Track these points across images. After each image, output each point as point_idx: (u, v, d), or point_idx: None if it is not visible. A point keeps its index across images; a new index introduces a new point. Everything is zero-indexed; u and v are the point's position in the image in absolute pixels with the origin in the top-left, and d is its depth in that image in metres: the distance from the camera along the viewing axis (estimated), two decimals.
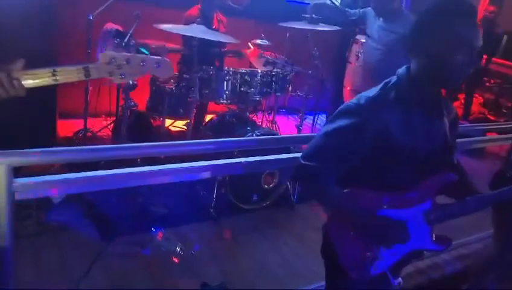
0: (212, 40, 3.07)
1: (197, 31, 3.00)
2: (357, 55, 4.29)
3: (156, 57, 1.32)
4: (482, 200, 1.52)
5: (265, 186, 3.19)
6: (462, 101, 5.99)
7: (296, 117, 3.86)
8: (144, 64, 1.30)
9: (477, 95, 6.55)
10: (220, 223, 3.01)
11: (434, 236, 1.48)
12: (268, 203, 3.24)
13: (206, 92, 3.26)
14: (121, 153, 1.79)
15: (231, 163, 1.96)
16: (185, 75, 3.25)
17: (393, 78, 1.41)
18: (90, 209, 2.79)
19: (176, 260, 2.58)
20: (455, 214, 1.48)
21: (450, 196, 1.54)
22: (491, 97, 6.74)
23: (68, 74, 1.24)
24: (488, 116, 6.28)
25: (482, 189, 1.62)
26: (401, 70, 1.41)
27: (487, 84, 6.43)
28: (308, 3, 3.63)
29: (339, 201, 1.41)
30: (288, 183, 3.30)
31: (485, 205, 1.54)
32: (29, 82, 1.20)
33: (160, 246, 2.66)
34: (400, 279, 2.52)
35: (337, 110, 1.42)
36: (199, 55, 3.17)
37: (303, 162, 1.40)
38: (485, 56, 5.51)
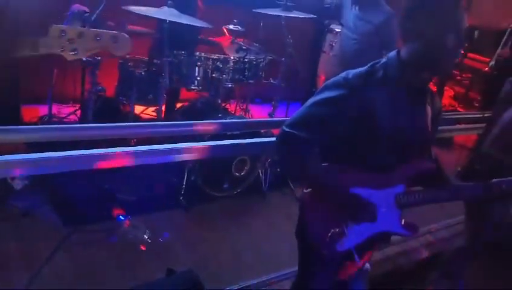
0: (185, 25, 2.99)
1: (168, 14, 2.92)
2: (331, 45, 4.29)
3: (112, 32, 1.25)
4: (453, 192, 1.55)
5: (237, 173, 3.16)
6: None
7: (269, 106, 3.83)
8: (98, 39, 1.23)
9: (447, 88, 6.68)
10: (189, 211, 2.97)
11: (403, 221, 1.49)
12: (239, 191, 3.21)
13: (177, 77, 3.18)
14: (83, 133, 1.73)
15: (204, 146, 1.93)
16: (155, 60, 3.16)
17: (383, 60, 1.42)
18: (54, 196, 2.70)
19: (143, 247, 2.53)
20: (425, 201, 1.50)
21: (424, 186, 1.55)
22: (461, 90, 6.90)
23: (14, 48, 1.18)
24: (458, 108, 6.41)
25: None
26: (392, 53, 1.42)
27: (458, 77, 6.56)
28: None
29: (317, 173, 1.43)
30: (259, 171, 3.28)
31: (455, 197, 1.58)
32: None
33: (128, 233, 2.59)
34: (368, 265, 2.56)
35: (325, 83, 1.44)
36: (170, 40, 3.09)
37: (286, 129, 1.41)
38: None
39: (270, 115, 3.71)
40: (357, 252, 1.45)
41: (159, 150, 1.84)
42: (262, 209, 3.22)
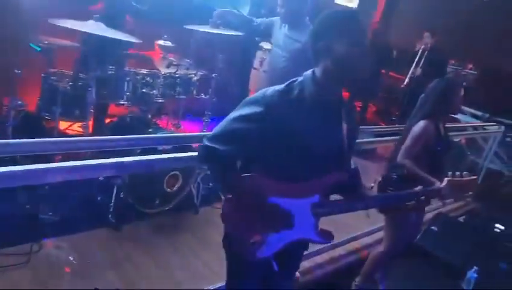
0: (114, 39, 2.93)
1: (94, 27, 2.85)
2: (261, 62, 4.42)
3: None
4: (367, 202, 1.66)
5: (168, 189, 3.13)
6: (358, 109, 6.50)
7: (201, 121, 3.85)
8: None
9: (371, 105, 7.17)
10: (119, 229, 2.88)
11: (319, 229, 1.57)
12: (171, 206, 3.17)
13: (105, 92, 3.10)
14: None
15: (132, 161, 1.89)
16: (81, 74, 3.06)
17: (300, 78, 1.51)
18: None
19: (68, 269, 2.41)
20: (340, 211, 1.59)
21: (341, 195, 1.65)
22: (383, 106, 7.42)
23: None
24: (381, 123, 6.87)
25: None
26: (307, 72, 1.51)
27: (379, 94, 7.05)
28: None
29: (237, 184, 1.48)
30: (191, 186, 3.27)
31: (369, 206, 1.68)
32: None
33: (50, 255, 2.46)
34: (297, 273, 2.65)
35: (245, 99, 1.50)
36: (97, 54, 3.01)
37: (207, 143, 1.49)
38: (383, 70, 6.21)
39: (202, 131, 3.73)
40: (278, 259, 1.50)
41: (85, 165, 1.78)
42: (195, 224, 3.20)
